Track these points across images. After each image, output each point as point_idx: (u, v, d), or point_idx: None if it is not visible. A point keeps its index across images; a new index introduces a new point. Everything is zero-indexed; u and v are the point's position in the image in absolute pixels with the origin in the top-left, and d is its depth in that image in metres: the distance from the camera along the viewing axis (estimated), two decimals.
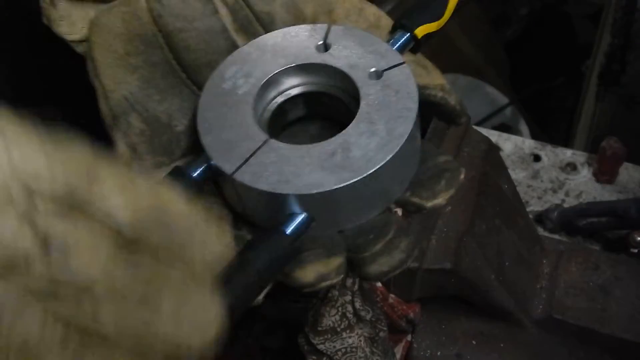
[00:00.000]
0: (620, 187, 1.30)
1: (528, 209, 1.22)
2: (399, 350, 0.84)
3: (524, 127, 2.67)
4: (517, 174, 1.31)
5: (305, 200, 0.58)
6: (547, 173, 1.33)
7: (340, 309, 0.77)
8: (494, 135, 1.38)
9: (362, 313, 0.80)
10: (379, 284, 0.80)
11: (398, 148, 0.58)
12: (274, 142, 0.60)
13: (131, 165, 0.66)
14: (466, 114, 0.74)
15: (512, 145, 1.39)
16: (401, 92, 0.61)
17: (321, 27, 0.66)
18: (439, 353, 0.84)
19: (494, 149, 0.94)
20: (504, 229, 0.88)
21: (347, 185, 0.57)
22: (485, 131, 1.18)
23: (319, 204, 0.59)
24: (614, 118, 1.71)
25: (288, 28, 0.67)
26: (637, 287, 0.86)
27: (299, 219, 0.58)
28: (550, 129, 2.81)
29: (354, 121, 0.60)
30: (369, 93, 0.61)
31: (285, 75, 0.66)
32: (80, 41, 0.71)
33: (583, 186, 1.31)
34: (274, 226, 0.58)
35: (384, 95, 0.61)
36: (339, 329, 0.79)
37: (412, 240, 0.62)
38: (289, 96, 0.68)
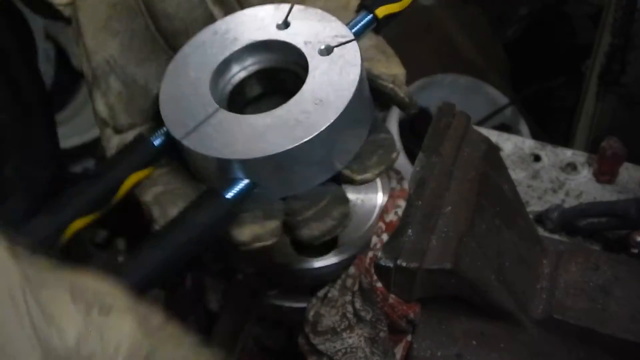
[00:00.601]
0: (620, 187, 1.30)
1: (528, 209, 1.22)
2: (399, 351, 0.84)
3: (524, 127, 2.67)
4: (517, 174, 1.31)
5: (248, 166, 0.61)
6: (547, 173, 1.33)
7: (340, 309, 0.77)
8: (494, 135, 1.38)
9: (362, 313, 0.80)
10: (379, 284, 0.80)
11: (335, 117, 0.63)
12: (223, 112, 0.65)
13: (106, 125, 0.71)
14: (415, 106, 0.78)
15: (512, 145, 1.39)
16: (346, 68, 0.65)
17: (284, 7, 0.70)
18: (439, 353, 0.84)
19: (494, 149, 0.94)
20: (504, 229, 0.88)
21: (286, 150, 0.61)
22: (485, 131, 1.17)
23: (261, 170, 0.62)
24: (614, 118, 1.71)
25: (255, 7, 0.72)
26: (638, 287, 0.86)
27: (241, 184, 0.63)
28: (550, 129, 2.81)
29: (299, 92, 0.64)
30: (317, 67, 0.65)
31: (245, 53, 0.70)
32: (67, 4, 0.74)
33: (583, 186, 1.31)
34: (216, 189, 0.62)
35: (330, 70, 0.65)
36: (339, 329, 0.79)
37: (345, 210, 0.66)
38: (248, 73, 0.72)
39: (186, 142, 0.63)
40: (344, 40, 0.67)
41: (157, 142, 0.68)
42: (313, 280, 0.75)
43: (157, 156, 0.68)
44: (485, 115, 2.70)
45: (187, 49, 0.69)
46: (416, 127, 2.74)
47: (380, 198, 0.87)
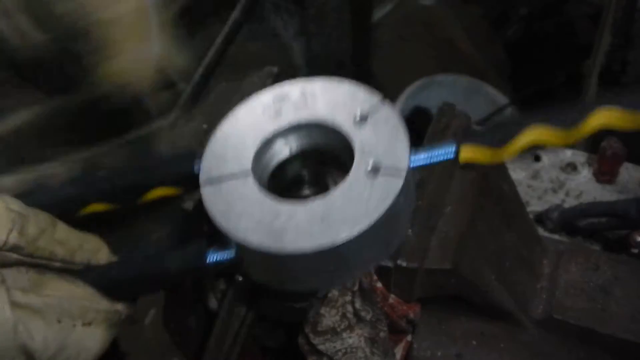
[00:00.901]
0: (620, 187, 1.30)
1: (528, 209, 1.22)
2: (399, 351, 0.84)
3: None
4: (517, 174, 1.31)
5: (241, 248, 0.61)
6: (547, 173, 1.33)
7: (340, 309, 0.77)
8: None
9: (362, 313, 0.80)
10: (379, 284, 0.80)
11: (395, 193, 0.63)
12: (250, 181, 0.64)
13: None
14: None
15: None
16: (372, 202, 0.62)
17: (375, 98, 0.69)
18: (439, 353, 0.84)
19: None
20: (504, 229, 0.88)
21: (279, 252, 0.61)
22: None
23: (248, 256, 0.63)
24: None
25: (352, 84, 0.71)
26: (638, 287, 0.86)
27: (225, 255, 0.64)
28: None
29: (321, 198, 0.63)
30: (350, 182, 0.63)
31: (280, 138, 0.70)
32: None
33: (583, 186, 1.31)
34: (204, 245, 0.64)
35: (359, 193, 0.63)
36: (339, 329, 0.79)
37: None
38: (285, 157, 0.72)
39: (204, 190, 0.65)
40: (394, 172, 0.64)
41: (197, 169, 0.68)
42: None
43: (190, 181, 0.68)
44: (485, 115, 2.70)
45: (271, 92, 0.70)
46: (416, 127, 2.75)
47: None
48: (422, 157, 0.67)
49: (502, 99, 2.73)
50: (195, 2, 2.87)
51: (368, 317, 0.81)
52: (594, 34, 1.79)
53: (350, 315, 0.81)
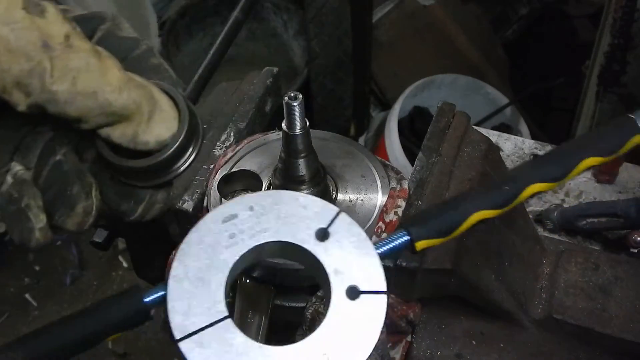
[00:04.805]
0: (620, 187, 1.30)
1: (528, 209, 1.22)
2: (398, 351, 0.84)
3: (524, 127, 2.67)
4: None
5: None
6: None
7: None
8: (494, 135, 1.38)
9: None
10: None
11: None
12: (229, 324, 0.59)
13: None
14: None
15: (512, 145, 1.39)
16: (366, 324, 0.60)
17: (332, 210, 0.65)
18: (439, 353, 0.84)
19: (494, 149, 0.94)
20: (504, 229, 0.88)
21: None
22: (485, 131, 1.17)
23: None
24: (614, 118, 1.71)
25: (306, 197, 0.66)
26: (637, 287, 0.86)
27: (160, 293, 0.62)
28: (550, 129, 2.81)
29: (310, 337, 0.60)
30: (336, 312, 0.60)
31: (275, 246, 0.65)
32: None
33: (583, 186, 1.31)
34: (138, 288, 0.63)
35: (348, 321, 0.60)
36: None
37: None
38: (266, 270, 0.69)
39: (182, 347, 0.59)
40: (374, 289, 0.61)
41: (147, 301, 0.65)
42: (313, 280, 0.75)
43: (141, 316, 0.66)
44: (485, 115, 2.71)
45: (216, 214, 0.64)
46: (416, 127, 2.75)
47: (380, 198, 0.87)
48: (381, 252, 0.67)
49: (502, 98, 2.74)
50: (196, 2, 2.87)
51: None
52: (594, 34, 1.79)
53: None
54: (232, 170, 0.87)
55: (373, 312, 0.60)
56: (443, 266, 0.77)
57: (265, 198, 0.65)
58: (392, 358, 0.84)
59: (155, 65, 0.92)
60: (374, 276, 0.62)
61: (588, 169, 0.73)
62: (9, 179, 0.82)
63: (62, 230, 0.88)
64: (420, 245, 0.68)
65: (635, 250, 1.11)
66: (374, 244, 0.64)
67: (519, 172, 0.73)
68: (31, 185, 0.83)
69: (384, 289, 0.62)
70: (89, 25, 0.87)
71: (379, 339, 0.61)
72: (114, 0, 2.53)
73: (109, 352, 2.55)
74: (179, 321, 0.59)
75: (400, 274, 0.78)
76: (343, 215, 0.64)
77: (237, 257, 0.62)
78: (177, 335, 0.59)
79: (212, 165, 0.89)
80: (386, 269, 0.67)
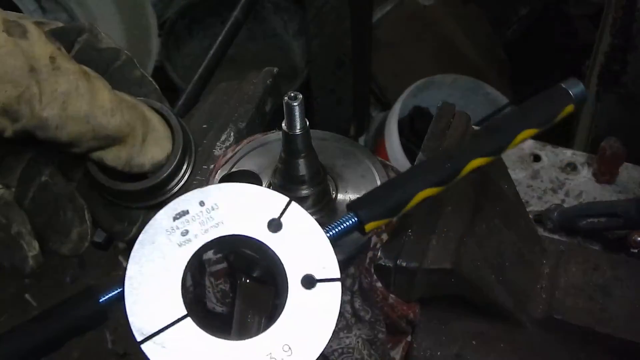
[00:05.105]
0: (620, 187, 1.30)
1: (528, 209, 1.22)
2: (398, 351, 0.84)
3: None
4: (517, 174, 1.31)
5: None
6: (547, 173, 1.33)
7: None
8: None
9: (362, 313, 0.80)
10: (379, 284, 0.80)
11: None
12: (190, 323, 0.60)
13: None
14: None
15: None
16: (323, 313, 0.61)
17: (282, 200, 0.65)
18: (439, 353, 0.84)
19: None
20: (504, 229, 0.88)
21: None
22: None
23: None
24: (614, 118, 1.71)
25: (255, 187, 0.67)
26: (637, 287, 0.86)
27: (116, 291, 0.62)
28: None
29: (270, 329, 0.60)
30: (294, 301, 0.61)
31: (230, 240, 0.65)
32: None
33: (583, 186, 1.31)
34: (93, 292, 0.63)
35: (306, 310, 0.61)
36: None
37: None
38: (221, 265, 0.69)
39: (144, 348, 0.59)
40: (329, 277, 0.63)
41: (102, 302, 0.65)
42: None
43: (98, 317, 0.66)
44: (485, 115, 2.71)
45: (167, 211, 0.64)
46: (416, 127, 2.75)
47: None
48: (331, 235, 0.67)
49: (501, 98, 2.74)
50: (196, 2, 2.87)
51: (367, 317, 0.81)
52: (594, 34, 1.79)
53: (348, 315, 0.81)
54: (232, 170, 0.87)
55: (329, 299, 0.61)
56: (443, 266, 0.77)
57: (215, 191, 0.65)
58: (392, 358, 0.84)
59: (138, 78, 0.89)
60: (328, 264, 0.63)
61: (524, 140, 0.74)
62: None
63: (57, 254, 0.86)
64: (369, 226, 0.69)
65: (635, 250, 1.11)
66: (324, 229, 0.65)
67: (458, 149, 0.75)
68: (16, 207, 0.81)
69: (338, 276, 0.63)
70: (66, 38, 0.84)
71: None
72: (114, 1, 2.53)
73: (109, 352, 2.55)
74: (139, 323, 0.59)
75: (400, 274, 0.78)
76: (294, 205, 0.65)
77: (191, 255, 0.62)
78: (139, 337, 0.59)
79: (212, 165, 0.89)
80: (386, 269, 0.67)
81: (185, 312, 0.60)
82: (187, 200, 0.64)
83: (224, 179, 0.86)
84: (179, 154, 0.86)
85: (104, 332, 2.60)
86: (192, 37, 2.92)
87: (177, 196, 0.81)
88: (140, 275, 0.62)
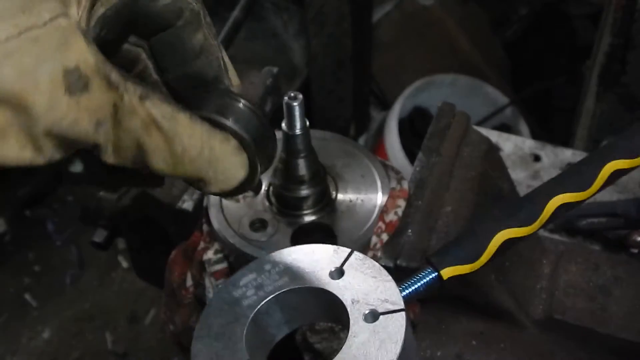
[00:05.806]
0: (620, 187, 1.30)
1: None
2: None
3: (524, 127, 2.67)
4: (517, 174, 1.31)
5: None
6: (547, 173, 1.33)
7: None
8: (494, 135, 1.38)
9: None
10: None
11: None
12: None
13: None
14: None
15: (512, 145, 1.39)
16: (386, 344, 0.61)
17: (343, 252, 0.67)
18: (439, 353, 0.84)
19: (494, 149, 0.94)
20: None
21: None
22: (485, 131, 1.17)
23: None
24: (614, 118, 1.71)
25: (313, 246, 0.68)
26: (637, 287, 0.86)
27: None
28: (550, 129, 2.81)
29: None
30: (356, 335, 0.61)
31: (293, 294, 0.67)
32: None
33: None
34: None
35: (368, 343, 0.61)
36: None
37: None
38: (290, 328, 0.69)
39: None
40: (392, 308, 0.62)
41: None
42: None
43: None
44: (485, 115, 2.71)
45: (232, 281, 0.66)
46: (416, 127, 2.75)
47: (380, 198, 0.87)
48: (409, 291, 0.67)
49: (502, 98, 2.74)
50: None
51: None
52: (594, 34, 1.79)
53: None
54: (304, 223, 0.86)
55: (393, 327, 0.61)
56: None
57: (277, 256, 0.68)
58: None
59: (199, 45, 0.69)
60: (391, 299, 0.63)
61: (617, 175, 0.67)
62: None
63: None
64: (446, 273, 0.67)
65: (635, 250, 1.11)
66: (399, 286, 0.65)
67: (541, 187, 0.70)
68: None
69: (402, 306, 0.62)
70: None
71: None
72: None
73: (109, 352, 2.55)
74: None
75: (400, 274, 0.78)
76: (356, 253, 0.66)
77: (256, 308, 0.64)
78: None
79: None
80: (386, 269, 0.67)
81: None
82: (251, 268, 0.67)
83: (297, 233, 0.86)
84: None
85: (104, 332, 2.60)
86: None
87: None
88: (207, 332, 0.64)
